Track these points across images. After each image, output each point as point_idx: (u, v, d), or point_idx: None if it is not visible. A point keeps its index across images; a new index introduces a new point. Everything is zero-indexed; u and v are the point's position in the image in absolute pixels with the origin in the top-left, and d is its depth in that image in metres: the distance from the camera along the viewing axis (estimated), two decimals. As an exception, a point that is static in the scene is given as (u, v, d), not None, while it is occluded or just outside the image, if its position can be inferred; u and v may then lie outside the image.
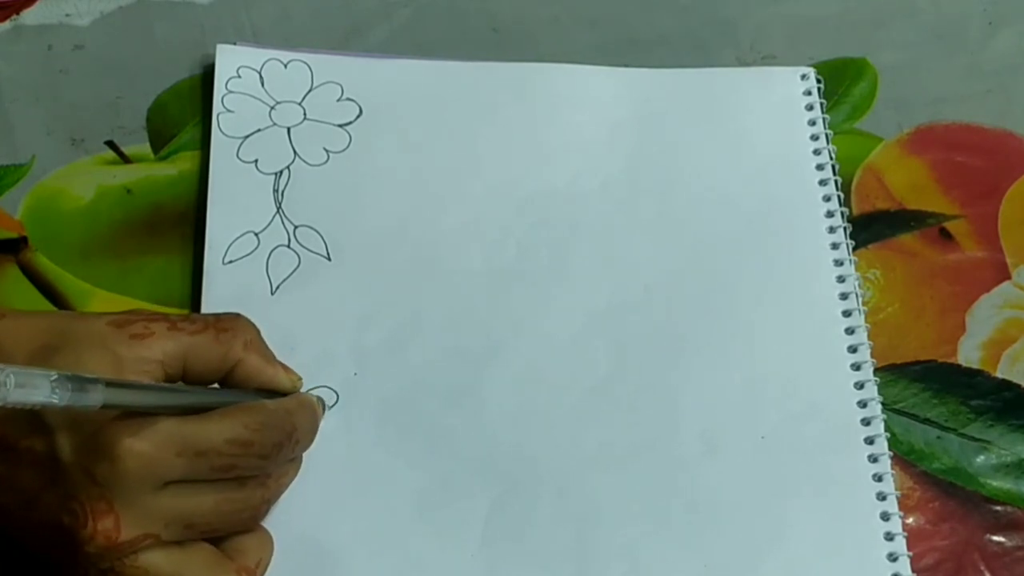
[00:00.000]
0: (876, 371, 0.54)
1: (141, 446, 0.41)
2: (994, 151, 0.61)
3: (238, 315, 0.47)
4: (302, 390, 0.50)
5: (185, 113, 0.60)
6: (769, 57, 0.64)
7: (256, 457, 0.44)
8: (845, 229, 0.57)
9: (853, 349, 0.55)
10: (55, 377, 0.36)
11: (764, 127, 0.60)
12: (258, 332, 0.47)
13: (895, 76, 0.63)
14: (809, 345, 0.55)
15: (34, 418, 0.42)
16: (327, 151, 0.58)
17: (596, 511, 0.51)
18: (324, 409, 0.52)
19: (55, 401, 0.36)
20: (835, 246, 0.57)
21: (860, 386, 0.54)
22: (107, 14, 0.62)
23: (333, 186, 0.58)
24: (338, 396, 0.52)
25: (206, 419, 0.43)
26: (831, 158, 0.59)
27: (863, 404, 0.53)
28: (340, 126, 0.59)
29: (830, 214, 0.58)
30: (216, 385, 0.46)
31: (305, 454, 0.50)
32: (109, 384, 0.38)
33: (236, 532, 0.46)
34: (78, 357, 0.42)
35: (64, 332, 0.43)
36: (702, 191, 0.59)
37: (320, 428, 0.51)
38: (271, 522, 0.49)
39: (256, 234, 0.56)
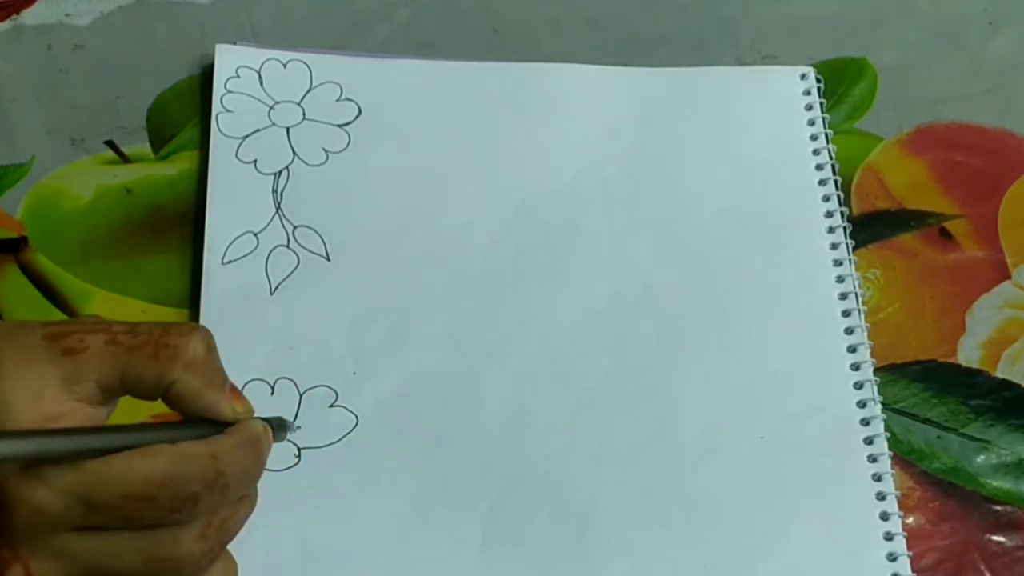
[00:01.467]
0: (876, 371, 0.54)
1: (29, 496, 0.38)
2: (994, 151, 0.61)
3: (193, 328, 0.42)
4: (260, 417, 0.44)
5: (185, 113, 0.60)
6: (769, 57, 0.64)
7: (165, 511, 0.39)
8: (845, 229, 0.57)
9: (852, 349, 0.55)
10: None
11: (764, 127, 0.60)
12: (209, 350, 0.42)
13: (895, 76, 0.63)
14: (808, 345, 0.55)
15: None
16: (326, 151, 0.58)
17: (595, 511, 0.51)
18: (279, 433, 0.45)
19: None
20: (835, 246, 0.57)
21: (859, 386, 0.54)
22: (107, 14, 0.62)
23: (332, 186, 0.58)
24: (337, 395, 0.52)
25: (103, 467, 0.38)
26: (831, 158, 0.59)
27: (862, 404, 0.53)
28: (339, 126, 0.59)
29: (830, 214, 0.58)
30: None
31: (305, 452, 0.50)
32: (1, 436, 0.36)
33: None
34: (1, 379, 0.39)
35: None
36: (701, 191, 0.59)
37: (319, 427, 0.51)
38: (271, 524, 0.49)
39: (255, 234, 0.56)
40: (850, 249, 0.57)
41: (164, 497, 0.39)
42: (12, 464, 0.38)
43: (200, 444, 0.41)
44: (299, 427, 0.50)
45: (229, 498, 0.42)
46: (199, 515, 0.41)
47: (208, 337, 0.42)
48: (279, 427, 0.45)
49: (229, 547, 0.43)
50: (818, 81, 0.62)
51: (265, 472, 0.49)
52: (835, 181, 0.59)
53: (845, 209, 0.58)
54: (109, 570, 0.40)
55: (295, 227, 0.56)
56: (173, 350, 0.41)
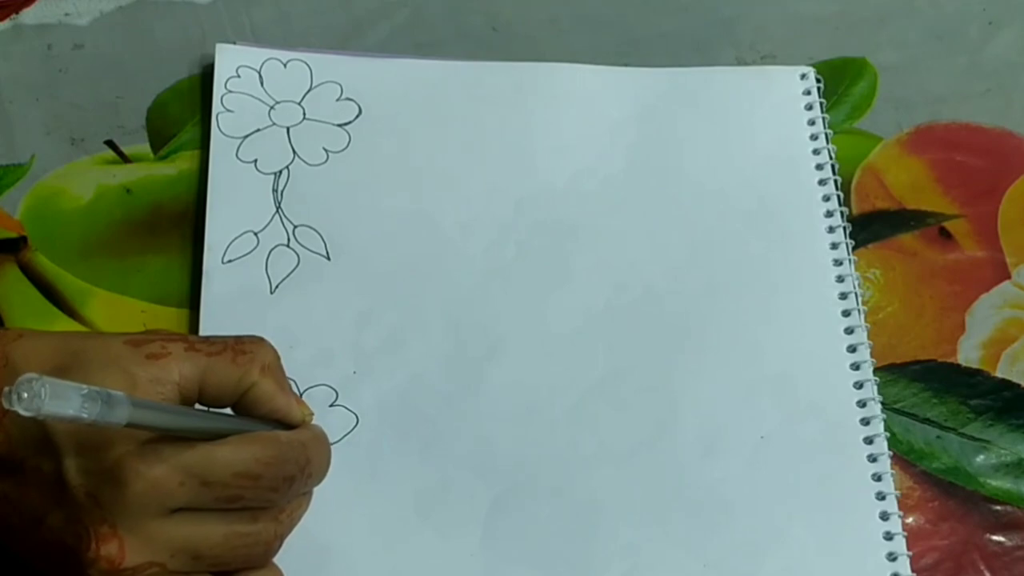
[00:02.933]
0: (876, 371, 0.54)
1: (146, 471, 0.40)
2: (993, 151, 0.61)
3: (261, 339, 0.46)
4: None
5: (185, 113, 0.60)
6: (769, 56, 0.64)
7: (265, 490, 0.43)
8: (844, 229, 0.57)
9: (852, 349, 0.55)
10: (85, 391, 0.36)
11: (764, 126, 0.60)
12: (278, 358, 0.46)
13: (895, 76, 0.63)
14: (808, 345, 0.55)
15: (43, 439, 0.41)
16: (326, 151, 0.58)
17: (595, 511, 0.51)
18: None
19: (84, 416, 0.36)
20: (834, 246, 0.57)
21: (859, 386, 0.54)
22: (106, 13, 0.62)
23: (332, 186, 0.58)
24: (337, 395, 0.52)
25: (216, 448, 0.42)
26: (831, 158, 0.59)
27: (862, 404, 0.53)
28: (339, 126, 0.59)
29: (829, 214, 0.58)
30: (229, 410, 0.46)
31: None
32: (135, 404, 0.38)
33: (246, 568, 0.45)
34: (91, 376, 0.41)
35: (78, 352, 0.43)
36: (701, 191, 0.59)
37: (319, 424, 0.51)
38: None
39: (255, 233, 0.56)
40: (850, 249, 0.57)
41: (268, 477, 0.43)
42: (127, 441, 0.41)
43: (292, 433, 0.45)
44: (330, 405, 0.52)
45: (310, 486, 0.47)
46: (287, 499, 0.45)
47: (274, 347, 0.46)
48: None
49: None
50: (818, 81, 0.62)
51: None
52: (835, 181, 0.59)
53: (845, 209, 0.58)
54: (193, 550, 0.43)
55: (295, 226, 0.56)
56: (250, 355, 0.45)
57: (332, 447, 0.50)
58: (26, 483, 0.42)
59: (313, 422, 0.48)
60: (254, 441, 0.43)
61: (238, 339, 0.45)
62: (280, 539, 0.46)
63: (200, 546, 0.43)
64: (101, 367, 0.42)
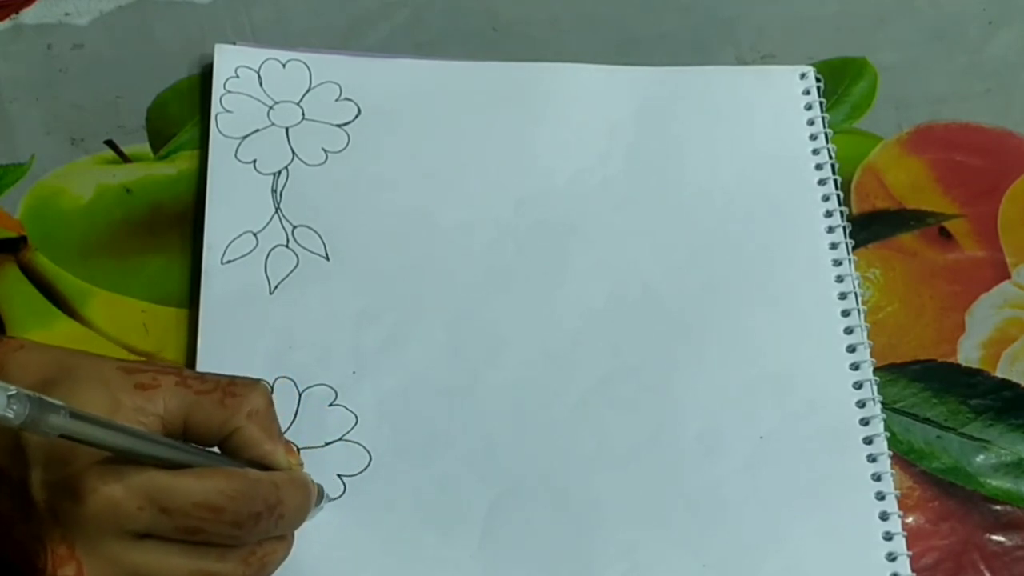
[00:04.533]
0: (876, 370, 0.54)
1: (103, 489, 0.40)
2: (993, 151, 0.61)
3: (255, 383, 0.45)
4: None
5: (184, 113, 0.60)
6: (769, 56, 0.64)
7: (228, 525, 0.42)
8: (844, 229, 0.57)
9: (852, 349, 0.55)
10: (13, 392, 0.35)
11: (763, 126, 0.60)
12: (270, 404, 0.45)
13: (895, 76, 0.63)
14: (808, 345, 0.55)
15: (16, 448, 0.41)
16: (326, 151, 0.58)
17: (595, 511, 0.51)
18: (323, 499, 0.49)
19: (9, 416, 0.35)
20: (834, 246, 0.57)
21: (859, 386, 0.54)
22: (106, 13, 0.62)
23: (332, 186, 0.58)
24: (336, 394, 0.52)
25: (179, 476, 0.41)
26: (830, 157, 0.59)
27: (862, 404, 0.53)
28: (339, 126, 0.59)
29: (829, 214, 0.58)
30: (216, 449, 0.45)
31: (304, 452, 0.50)
32: (74, 415, 0.37)
33: None
34: (74, 392, 0.41)
35: (71, 369, 0.43)
36: (701, 190, 0.59)
37: (318, 426, 0.51)
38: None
39: (255, 234, 0.56)
40: (850, 249, 0.57)
41: (231, 511, 0.41)
42: (92, 460, 0.40)
43: (264, 473, 0.44)
44: (332, 498, 0.50)
45: (281, 529, 0.45)
46: (253, 538, 0.43)
47: (268, 392, 0.46)
48: (321, 495, 0.49)
49: None
50: (818, 81, 0.62)
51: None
52: (835, 181, 0.59)
53: (845, 209, 0.58)
54: None
55: (294, 227, 0.56)
56: (240, 399, 0.44)
57: (330, 446, 0.50)
58: (1, 490, 0.42)
59: (304, 470, 0.47)
60: (219, 474, 0.42)
61: (232, 380, 0.45)
62: None
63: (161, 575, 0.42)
64: (88, 386, 0.42)
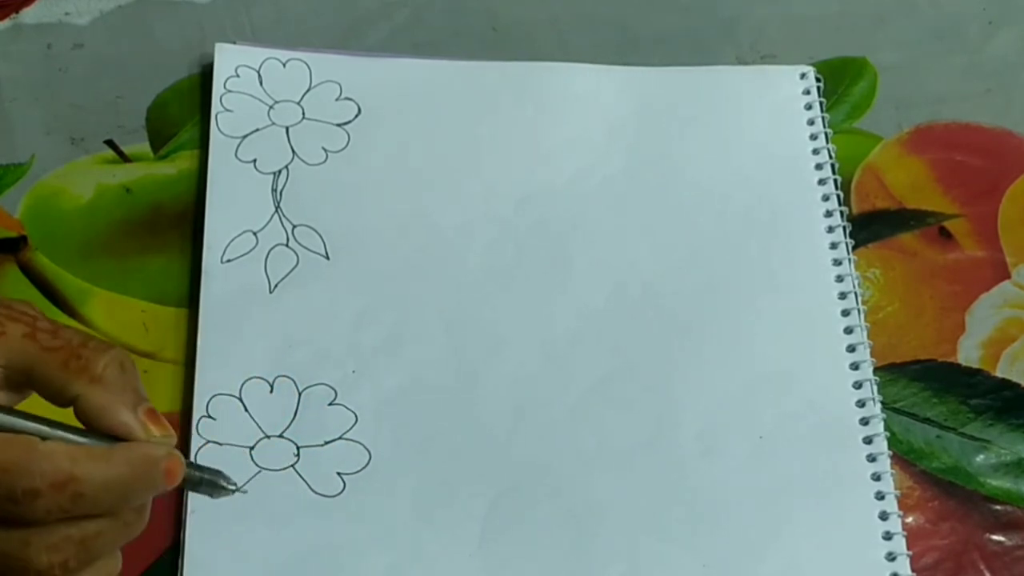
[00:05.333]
0: (876, 370, 0.54)
1: None
2: (993, 151, 0.61)
3: (109, 346, 0.41)
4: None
5: (184, 112, 0.60)
6: (769, 56, 0.64)
7: (2, 499, 0.38)
8: (844, 228, 0.57)
9: (852, 348, 0.55)
10: None
11: (763, 126, 0.60)
12: (124, 369, 0.41)
13: (895, 76, 0.63)
14: (808, 344, 0.55)
15: None
16: (326, 150, 0.59)
17: (594, 511, 0.51)
18: (206, 486, 0.42)
19: None
20: (834, 245, 0.57)
21: (859, 385, 0.54)
22: (106, 13, 0.62)
23: (331, 185, 0.58)
24: (336, 394, 0.52)
25: None
26: (830, 157, 0.59)
27: (861, 403, 0.53)
28: (339, 125, 0.59)
29: (829, 213, 0.58)
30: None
31: (304, 451, 0.50)
32: None
33: None
34: None
35: None
36: (701, 190, 0.59)
37: (318, 426, 0.51)
38: (270, 522, 0.49)
39: (255, 233, 0.56)
40: (850, 248, 0.57)
41: (4, 484, 0.38)
42: None
43: (60, 445, 0.39)
44: (243, 491, 0.44)
45: (83, 508, 0.40)
46: (44, 517, 0.39)
47: (123, 357, 0.41)
48: (207, 481, 0.42)
49: None
50: (818, 81, 0.62)
51: (264, 471, 0.50)
52: (835, 181, 0.59)
53: (845, 208, 0.58)
54: None
55: (294, 226, 0.56)
56: (83, 363, 0.40)
57: (330, 445, 0.50)
58: None
59: (170, 446, 0.41)
60: (3, 444, 0.38)
61: (84, 342, 0.41)
62: (61, 568, 0.40)
63: None
64: None
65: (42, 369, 0.40)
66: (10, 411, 0.40)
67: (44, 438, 0.39)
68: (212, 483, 0.42)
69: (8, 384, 0.40)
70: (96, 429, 0.40)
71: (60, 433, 0.40)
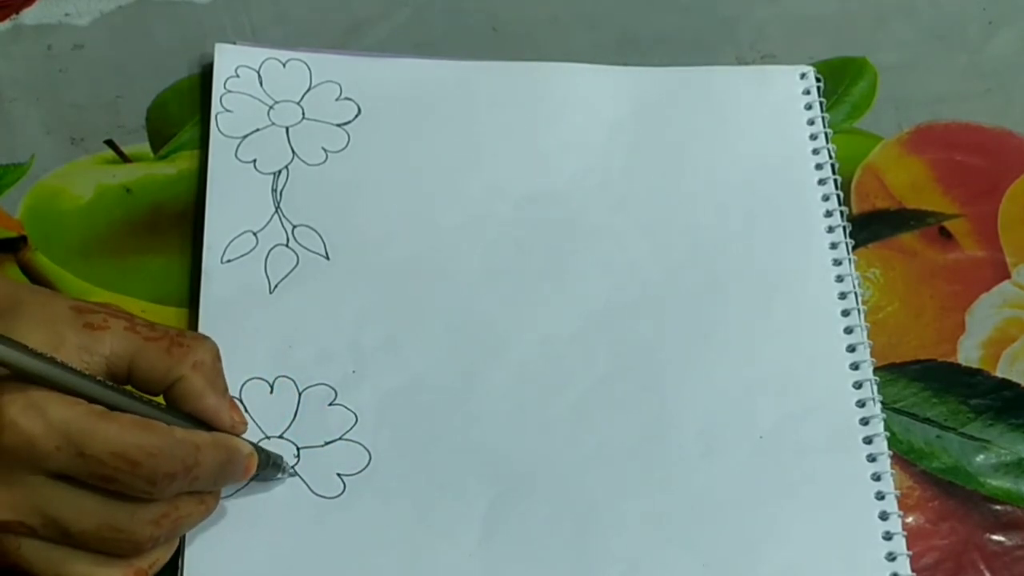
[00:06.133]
0: (876, 370, 0.54)
1: (24, 424, 0.40)
2: (993, 150, 0.61)
3: (203, 337, 0.46)
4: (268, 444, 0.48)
5: (185, 112, 0.60)
6: (769, 56, 0.64)
7: (143, 480, 0.41)
8: (844, 228, 0.57)
9: (852, 348, 0.55)
10: None
11: (763, 126, 0.60)
12: (216, 359, 0.46)
13: (895, 76, 0.63)
14: (807, 344, 0.55)
15: None
16: (326, 150, 0.59)
17: (594, 511, 0.51)
18: (270, 469, 0.49)
19: None
20: (834, 245, 0.57)
21: (859, 385, 0.54)
22: (106, 14, 0.62)
23: (332, 185, 0.58)
24: (336, 394, 0.52)
25: (104, 421, 0.41)
26: (830, 157, 0.59)
27: (861, 404, 0.53)
28: (339, 125, 0.59)
29: (829, 213, 0.58)
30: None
31: (304, 451, 0.50)
32: (2, 340, 0.38)
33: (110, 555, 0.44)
34: (17, 326, 0.41)
35: (22, 302, 0.43)
36: (701, 190, 0.59)
37: (318, 425, 0.51)
38: (270, 521, 0.49)
39: (255, 233, 0.56)
40: (849, 248, 0.57)
41: (147, 467, 0.41)
42: (16, 390, 0.40)
43: (189, 431, 0.44)
44: (293, 474, 0.50)
45: (195, 487, 0.45)
46: (166, 496, 0.43)
47: (216, 348, 0.46)
48: (272, 464, 0.49)
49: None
50: (818, 81, 0.62)
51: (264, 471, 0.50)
52: (835, 180, 0.59)
53: (845, 208, 0.58)
54: (63, 524, 0.42)
55: (294, 226, 0.56)
56: (186, 350, 0.44)
57: (330, 446, 0.50)
58: None
59: (244, 436, 0.47)
60: (144, 427, 0.42)
61: (181, 332, 0.45)
62: (153, 542, 0.44)
63: (72, 523, 0.42)
64: (33, 321, 0.42)
65: (146, 355, 0.44)
66: (132, 395, 0.43)
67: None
68: (275, 467, 0.49)
69: (109, 375, 0.43)
70: (188, 411, 0.45)
71: (162, 413, 0.44)
